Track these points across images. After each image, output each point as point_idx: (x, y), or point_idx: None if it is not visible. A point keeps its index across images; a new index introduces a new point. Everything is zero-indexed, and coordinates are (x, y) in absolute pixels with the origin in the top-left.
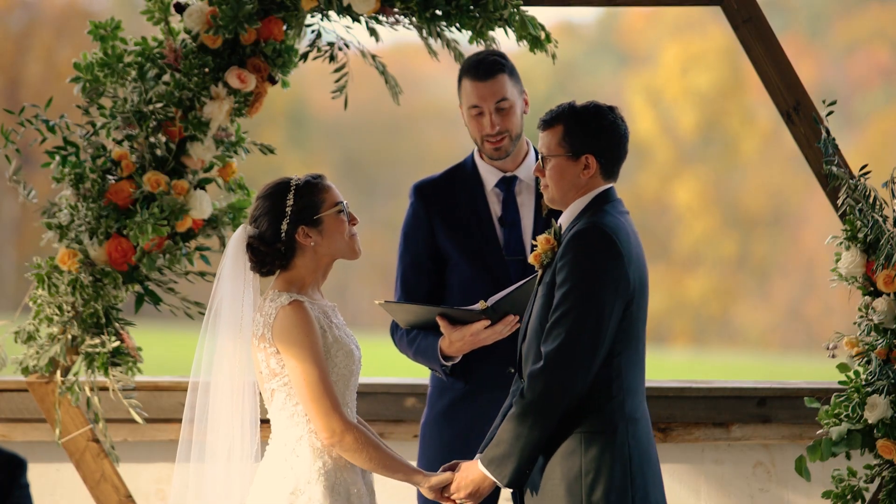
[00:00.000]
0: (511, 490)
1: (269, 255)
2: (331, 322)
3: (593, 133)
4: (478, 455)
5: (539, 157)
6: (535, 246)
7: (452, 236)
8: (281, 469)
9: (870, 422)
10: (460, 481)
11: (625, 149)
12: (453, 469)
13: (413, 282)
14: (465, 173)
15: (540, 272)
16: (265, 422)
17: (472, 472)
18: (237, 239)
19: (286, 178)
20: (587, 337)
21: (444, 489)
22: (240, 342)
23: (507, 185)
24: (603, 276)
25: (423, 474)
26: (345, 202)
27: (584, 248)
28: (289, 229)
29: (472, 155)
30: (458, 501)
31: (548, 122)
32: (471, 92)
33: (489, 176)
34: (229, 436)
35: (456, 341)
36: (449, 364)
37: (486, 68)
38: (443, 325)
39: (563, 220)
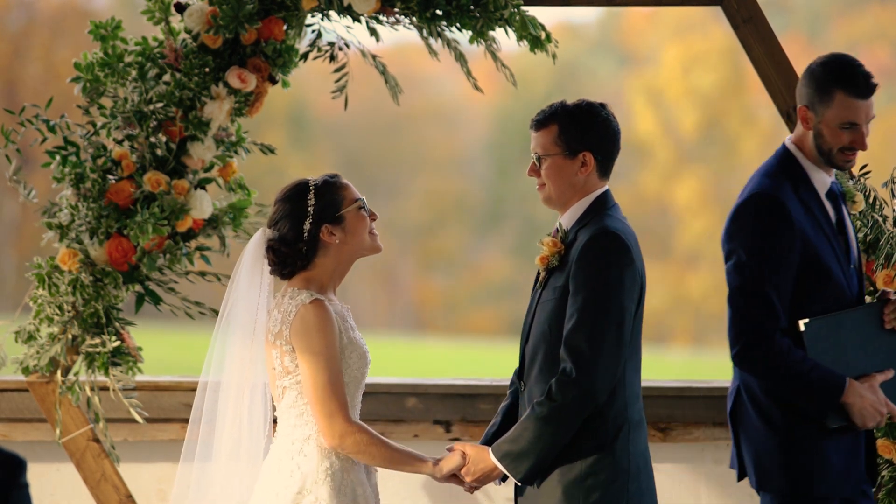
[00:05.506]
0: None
1: (290, 256)
2: (346, 324)
3: (588, 130)
4: (479, 443)
5: (534, 157)
6: (542, 247)
7: (817, 244)
8: (287, 467)
9: None
10: (470, 467)
11: (618, 145)
12: (458, 451)
13: (782, 302)
14: (798, 176)
15: (544, 275)
16: (276, 422)
17: (484, 461)
18: (255, 244)
19: (303, 179)
20: (612, 344)
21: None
22: (253, 346)
23: (833, 190)
24: (621, 283)
25: (432, 463)
26: (363, 198)
27: (602, 254)
28: (312, 229)
29: (792, 155)
30: (466, 484)
31: (541, 122)
32: (849, 107)
33: (821, 181)
34: (239, 435)
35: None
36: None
37: (867, 86)
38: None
39: (565, 223)
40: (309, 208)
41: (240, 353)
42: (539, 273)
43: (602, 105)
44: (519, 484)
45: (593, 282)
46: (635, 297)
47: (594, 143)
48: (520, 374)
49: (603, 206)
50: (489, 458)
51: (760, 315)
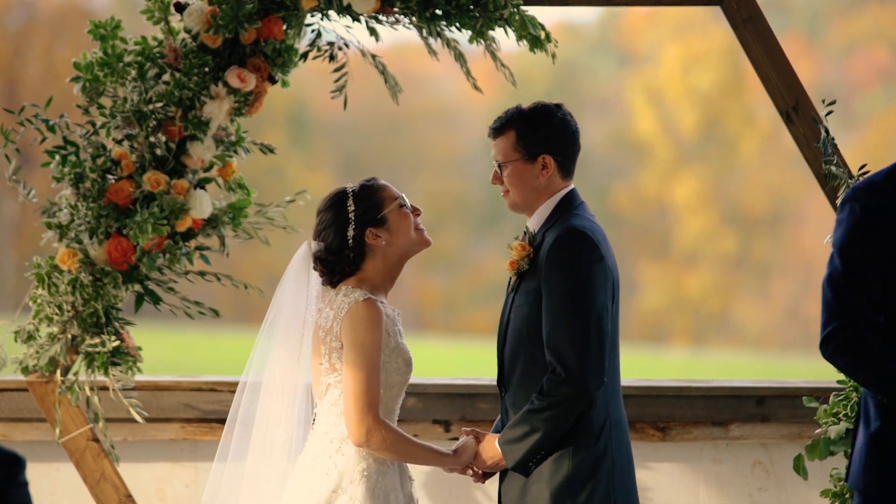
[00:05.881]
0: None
1: (338, 264)
2: (395, 328)
3: (546, 133)
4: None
5: (496, 165)
6: (511, 252)
7: None
8: (324, 466)
9: None
10: (480, 455)
11: (578, 144)
12: (472, 435)
13: (871, 296)
14: None
15: (515, 279)
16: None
17: (492, 449)
18: (300, 256)
19: (341, 188)
20: (595, 341)
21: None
22: (301, 350)
23: None
24: (593, 279)
25: (452, 456)
26: (403, 195)
27: (571, 253)
28: (356, 234)
29: None
30: (480, 471)
31: (498, 129)
32: None
33: None
34: (275, 436)
35: None
36: None
37: None
38: None
39: (532, 226)
40: (350, 214)
41: (284, 358)
42: (511, 277)
43: (558, 106)
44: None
45: (566, 282)
46: (609, 292)
47: (553, 144)
48: (500, 380)
49: (569, 205)
50: (495, 445)
51: (842, 305)
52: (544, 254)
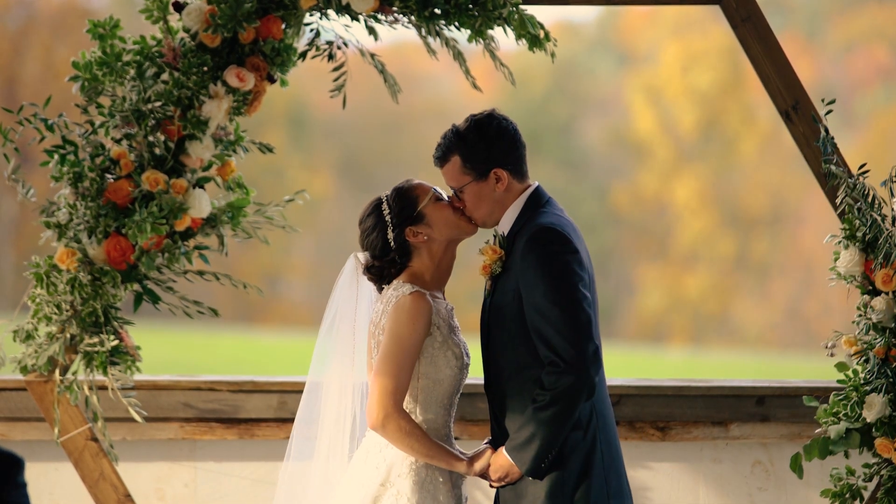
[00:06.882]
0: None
1: (385, 268)
2: (446, 323)
3: (487, 147)
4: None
5: (453, 191)
6: (483, 256)
7: None
8: (375, 460)
9: (868, 420)
10: (491, 466)
11: (521, 143)
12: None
13: None
14: None
15: (490, 284)
16: None
17: (500, 458)
18: (349, 268)
19: (377, 196)
20: (586, 328)
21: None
22: (353, 354)
23: None
24: (572, 271)
25: (466, 463)
26: (436, 188)
27: (547, 250)
28: (396, 236)
29: None
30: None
31: (443, 158)
32: None
33: None
34: (334, 433)
35: None
36: None
37: None
38: None
39: (502, 228)
40: (387, 218)
41: (341, 361)
42: (486, 281)
43: (490, 115)
44: (528, 477)
45: (545, 278)
46: (585, 283)
47: (498, 156)
48: (487, 385)
49: (536, 204)
50: (503, 455)
51: None
52: (518, 256)
